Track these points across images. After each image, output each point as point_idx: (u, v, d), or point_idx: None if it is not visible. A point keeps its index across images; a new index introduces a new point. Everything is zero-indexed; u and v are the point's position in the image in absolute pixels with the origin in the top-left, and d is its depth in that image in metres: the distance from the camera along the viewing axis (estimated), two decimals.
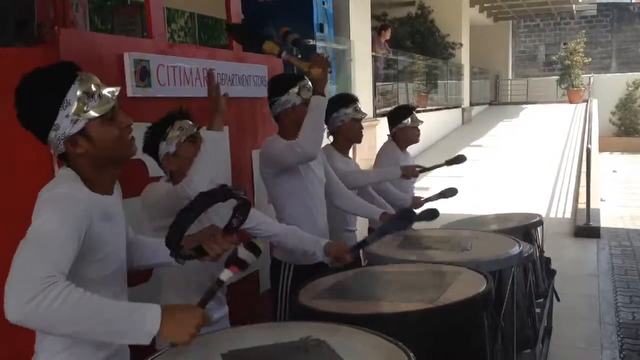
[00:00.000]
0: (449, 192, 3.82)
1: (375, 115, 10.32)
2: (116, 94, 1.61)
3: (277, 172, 2.83)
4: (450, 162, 3.81)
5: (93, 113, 1.54)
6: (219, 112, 2.50)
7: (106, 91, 1.59)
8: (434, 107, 15.49)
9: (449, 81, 17.75)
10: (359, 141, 3.56)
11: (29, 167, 2.22)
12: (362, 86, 9.93)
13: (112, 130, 1.59)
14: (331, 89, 9.25)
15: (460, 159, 3.86)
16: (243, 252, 1.65)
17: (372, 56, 11.07)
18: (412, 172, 3.63)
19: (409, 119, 3.98)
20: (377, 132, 8.76)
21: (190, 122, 2.32)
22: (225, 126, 3.01)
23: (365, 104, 9.98)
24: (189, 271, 2.22)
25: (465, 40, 19.21)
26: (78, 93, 1.53)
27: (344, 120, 3.37)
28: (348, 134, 3.42)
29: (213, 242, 1.77)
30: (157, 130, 2.29)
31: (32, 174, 2.21)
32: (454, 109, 17.56)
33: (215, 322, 2.36)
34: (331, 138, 3.47)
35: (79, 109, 1.53)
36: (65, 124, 1.53)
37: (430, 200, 3.85)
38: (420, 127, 4.07)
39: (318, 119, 2.66)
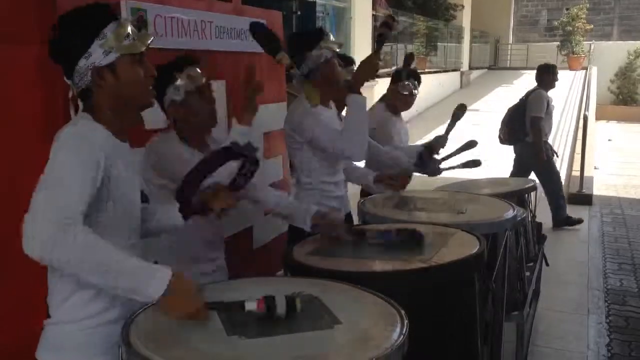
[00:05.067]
0: (472, 164, 3.72)
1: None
2: (149, 42, 1.67)
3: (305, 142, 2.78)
4: (420, 164, 3.62)
5: (126, 49, 1.59)
6: (250, 110, 2.36)
7: (141, 36, 1.65)
8: (432, 70, 15.39)
9: (448, 44, 17.59)
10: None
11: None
12: (362, 46, 9.83)
13: (139, 72, 1.64)
14: None
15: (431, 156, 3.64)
16: (281, 301, 1.56)
17: (372, 15, 10.92)
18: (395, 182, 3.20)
19: (402, 82, 3.79)
20: (375, 94, 8.70)
21: (199, 71, 2.27)
22: (222, 80, 2.98)
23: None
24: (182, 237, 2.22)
25: (466, 2, 18.96)
26: (115, 30, 1.59)
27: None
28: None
29: (217, 199, 1.84)
30: (166, 73, 2.23)
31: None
32: (453, 72, 17.46)
33: (212, 272, 2.39)
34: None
35: (113, 42, 1.58)
36: (98, 54, 1.57)
37: (452, 168, 3.78)
38: (416, 92, 3.85)
39: (361, 119, 2.61)
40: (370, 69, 2.63)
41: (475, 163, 3.73)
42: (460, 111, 3.70)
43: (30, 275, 2.16)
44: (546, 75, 6.28)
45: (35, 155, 2.13)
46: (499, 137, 6.48)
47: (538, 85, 6.32)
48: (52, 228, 1.39)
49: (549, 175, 6.28)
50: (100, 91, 1.61)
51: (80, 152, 1.49)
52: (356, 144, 2.63)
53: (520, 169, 6.28)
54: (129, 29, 1.62)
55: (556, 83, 6.38)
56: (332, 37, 2.79)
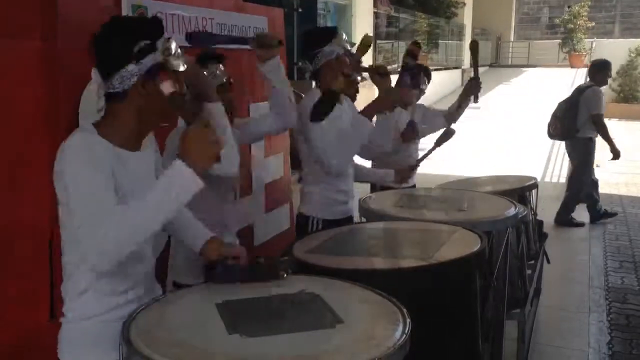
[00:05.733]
0: (446, 136, 3.65)
1: None
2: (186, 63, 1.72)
3: None
4: (440, 142, 3.67)
5: (172, 65, 1.64)
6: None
7: (182, 56, 1.70)
8: (433, 68, 15.33)
9: (449, 41, 17.57)
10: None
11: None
12: None
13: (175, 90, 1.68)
14: None
15: (448, 134, 3.66)
16: None
17: (374, 13, 10.90)
18: (405, 174, 3.43)
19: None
20: (376, 91, 8.68)
21: (222, 69, 2.28)
22: None
23: (365, 62, 9.88)
24: None
25: None
26: (164, 45, 1.64)
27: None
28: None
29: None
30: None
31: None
32: (454, 70, 17.43)
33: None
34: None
35: (163, 56, 1.63)
36: (148, 63, 1.60)
37: (426, 157, 3.74)
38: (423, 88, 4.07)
39: (357, 137, 2.75)
40: (386, 102, 2.79)
41: (448, 133, 3.65)
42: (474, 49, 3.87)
43: (32, 275, 2.17)
44: (601, 72, 6.30)
45: (35, 150, 2.13)
46: (548, 131, 6.50)
47: (591, 81, 6.32)
48: (100, 232, 1.44)
49: (580, 176, 6.34)
50: (135, 99, 1.62)
51: (89, 159, 1.52)
52: (344, 158, 2.76)
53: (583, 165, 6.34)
54: (175, 47, 1.66)
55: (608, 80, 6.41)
56: (345, 37, 2.84)
